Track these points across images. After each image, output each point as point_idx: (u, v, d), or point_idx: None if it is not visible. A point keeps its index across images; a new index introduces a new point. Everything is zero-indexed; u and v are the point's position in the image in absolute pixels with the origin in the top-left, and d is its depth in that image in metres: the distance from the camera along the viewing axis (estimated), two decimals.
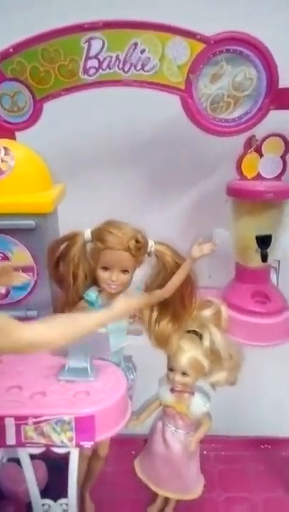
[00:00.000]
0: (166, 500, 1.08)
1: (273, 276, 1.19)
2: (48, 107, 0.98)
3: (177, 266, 0.92)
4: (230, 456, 1.28)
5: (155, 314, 1.00)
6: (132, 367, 1.04)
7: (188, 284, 0.95)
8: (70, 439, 0.73)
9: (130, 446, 1.21)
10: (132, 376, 1.03)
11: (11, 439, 0.72)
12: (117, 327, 0.93)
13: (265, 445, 1.31)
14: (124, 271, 0.88)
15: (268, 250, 1.02)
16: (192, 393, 1.02)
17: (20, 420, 0.72)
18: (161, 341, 1.00)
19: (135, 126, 1.13)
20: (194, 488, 1.04)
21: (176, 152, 1.16)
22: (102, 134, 1.13)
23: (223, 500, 1.13)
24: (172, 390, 1.03)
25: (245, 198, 1.00)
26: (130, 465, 1.12)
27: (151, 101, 1.01)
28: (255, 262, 1.05)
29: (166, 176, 1.20)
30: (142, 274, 0.96)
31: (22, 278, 0.88)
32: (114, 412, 0.76)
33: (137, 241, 0.86)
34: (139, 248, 0.87)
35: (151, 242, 0.91)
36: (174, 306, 0.98)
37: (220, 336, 1.01)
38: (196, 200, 1.25)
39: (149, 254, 0.92)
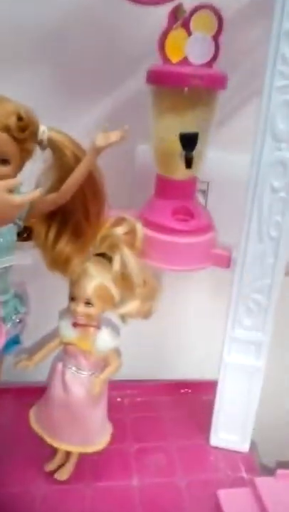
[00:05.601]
0: (68, 454, 0.91)
1: (201, 201, 1.03)
2: None
3: (78, 162, 0.72)
4: (146, 403, 1.14)
5: (53, 231, 0.80)
6: (24, 297, 0.84)
7: (92, 187, 0.75)
8: None
9: (30, 396, 1.02)
10: (23, 309, 0.83)
11: None
12: None
13: (186, 389, 1.18)
14: (3, 160, 0.66)
15: (194, 155, 0.84)
16: (98, 327, 0.85)
17: None
18: (60, 264, 0.80)
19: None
20: (98, 439, 0.88)
21: (93, 39, 0.92)
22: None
23: (135, 451, 0.99)
24: (75, 325, 0.84)
25: (167, 84, 0.81)
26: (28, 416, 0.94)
27: None
28: (178, 172, 0.87)
29: (81, 71, 0.96)
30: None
31: None
32: None
33: (20, 118, 0.64)
34: (22, 128, 0.65)
35: (43, 128, 0.69)
36: (75, 218, 0.78)
37: (133, 258, 0.83)
38: (118, 105, 1.02)
39: (40, 143, 0.70)
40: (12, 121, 0.63)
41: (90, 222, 0.79)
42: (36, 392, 0.96)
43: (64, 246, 0.78)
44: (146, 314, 0.85)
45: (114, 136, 0.69)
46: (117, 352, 0.86)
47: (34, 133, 0.67)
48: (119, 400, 1.13)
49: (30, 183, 0.75)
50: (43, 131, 0.69)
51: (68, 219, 0.78)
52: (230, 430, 0.98)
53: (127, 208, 0.92)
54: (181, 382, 1.19)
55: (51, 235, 0.79)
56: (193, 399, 1.16)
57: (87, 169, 0.71)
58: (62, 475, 0.89)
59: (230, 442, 0.99)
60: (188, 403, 1.15)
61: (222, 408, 0.97)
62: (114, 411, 0.94)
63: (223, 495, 0.85)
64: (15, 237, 0.74)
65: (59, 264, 0.79)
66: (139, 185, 0.99)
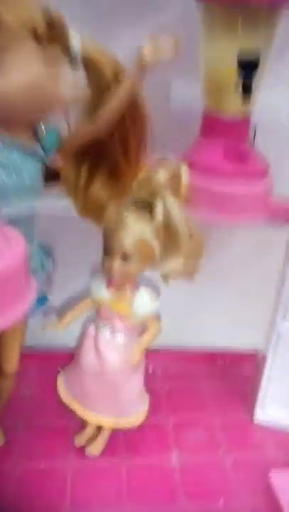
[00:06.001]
0: (99, 426, 0.82)
1: None
2: None
3: (119, 83, 0.59)
4: (181, 374, 1.04)
5: (85, 171, 0.68)
6: (49, 250, 0.73)
7: (135, 116, 0.62)
8: None
9: (56, 362, 0.93)
10: (49, 263, 0.72)
11: None
12: (21, 180, 0.60)
13: (223, 360, 1.08)
14: None
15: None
16: (136, 287, 0.74)
17: None
18: (93, 210, 0.68)
19: None
20: (135, 411, 0.79)
21: None
22: None
23: (173, 424, 0.90)
24: (109, 283, 0.74)
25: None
26: (55, 385, 0.84)
27: None
28: (231, 106, 0.74)
29: None
30: None
31: None
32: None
33: (46, 13, 0.51)
34: (49, 24, 0.51)
35: (75, 35, 0.56)
36: (112, 155, 0.66)
37: (177, 208, 0.71)
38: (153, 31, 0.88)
39: (72, 58, 0.57)
40: (37, 17, 0.50)
41: (129, 161, 0.66)
42: (63, 359, 0.86)
43: (98, 189, 0.67)
44: (190, 274, 0.73)
45: (164, 50, 0.56)
46: (157, 315, 0.76)
47: (63, 36, 0.54)
48: (151, 369, 1.03)
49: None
50: (76, 39, 0.56)
51: (104, 157, 0.65)
52: (279, 405, 0.88)
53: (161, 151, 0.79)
54: (218, 352, 1.09)
55: (83, 176, 0.67)
56: (232, 370, 1.06)
57: (129, 92, 0.58)
58: (95, 450, 0.80)
59: (278, 418, 0.89)
60: (226, 374, 1.05)
61: (271, 380, 0.87)
62: (146, 382, 0.84)
63: (276, 477, 0.76)
64: (39, 176, 0.63)
65: (92, 210, 0.68)
66: (176, 126, 0.86)
